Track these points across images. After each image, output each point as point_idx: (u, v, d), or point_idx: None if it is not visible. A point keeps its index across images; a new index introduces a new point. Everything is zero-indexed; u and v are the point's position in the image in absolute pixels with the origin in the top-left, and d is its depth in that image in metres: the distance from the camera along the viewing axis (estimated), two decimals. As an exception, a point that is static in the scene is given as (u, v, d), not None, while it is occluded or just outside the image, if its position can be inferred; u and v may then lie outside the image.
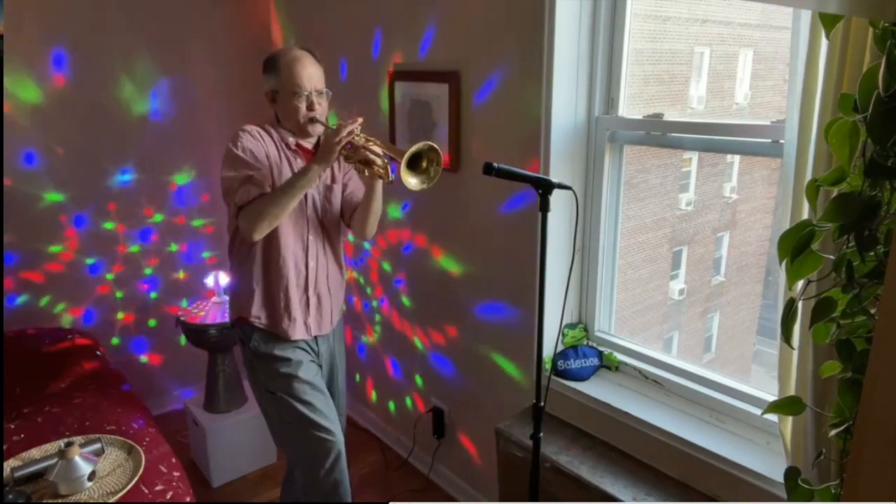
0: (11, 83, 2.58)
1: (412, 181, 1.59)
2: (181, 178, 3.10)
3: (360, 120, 1.69)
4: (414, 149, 1.55)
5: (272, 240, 1.80)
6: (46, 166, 2.72)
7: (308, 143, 1.86)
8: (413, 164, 1.59)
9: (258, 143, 1.78)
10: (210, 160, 3.10)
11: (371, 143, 1.69)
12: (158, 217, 3.07)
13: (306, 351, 1.91)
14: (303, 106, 1.78)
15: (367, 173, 1.76)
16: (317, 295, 1.91)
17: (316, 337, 1.94)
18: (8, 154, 2.61)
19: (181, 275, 3.19)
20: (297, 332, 1.87)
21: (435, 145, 1.58)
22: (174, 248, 3.15)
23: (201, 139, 3.10)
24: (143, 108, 2.92)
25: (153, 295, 3.13)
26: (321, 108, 1.81)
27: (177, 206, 3.12)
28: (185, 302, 3.13)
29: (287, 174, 1.78)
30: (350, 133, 1.65)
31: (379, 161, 1.70)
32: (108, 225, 2.94)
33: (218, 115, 3.11)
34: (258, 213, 1.67)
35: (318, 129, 1.82)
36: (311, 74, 1.77)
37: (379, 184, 1.81)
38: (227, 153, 1.75)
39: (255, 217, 1.67)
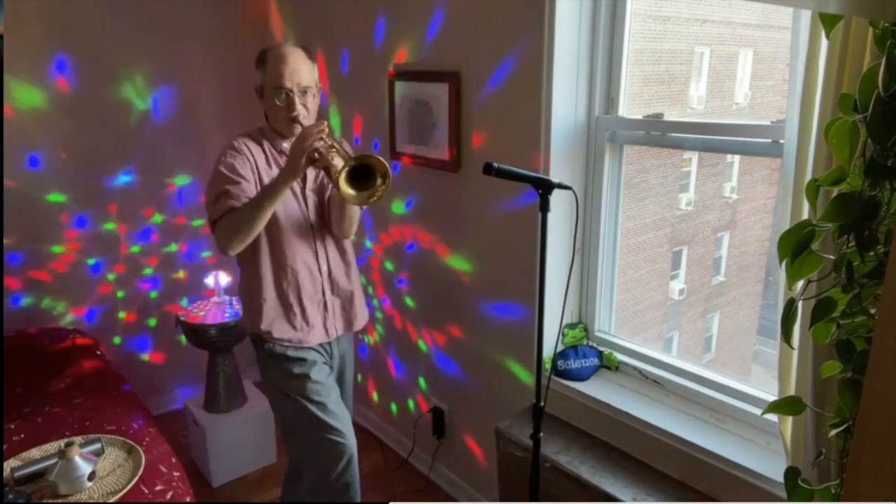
0: (16, 89, 2.59)
1: (350, 192, 1.51)
2: (181, 180, 3.11)
3: (325, 124, 1.61)
4: (354, 161, 1.48)
5: (279, 255, 1.80)
6: (50, 168, 2.74)
7: None
8: (360, 179, 1.51)
9: (243, 158, 1.75)
10: (208, 161, 3.09)
11: (333, 151, 1.62)
12: (158, 218, 3.07)
13: (319, 352, 1.91)
14: (283, 104, 1.73)
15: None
16: (336, 297, 1.91)
17: (330, 341, 1.94)
18: (14, 157, 2.62)
19: (181, 274, 3.20)
20: (315, 338, 1.87)
21: (384, 161, 1.51)
22: (174, 248, 3.16)
23: (200, 140, 3.10)
24: (144, 109, 2.92)
25: (153, 294, 3.13)
26: (303, 109, 1.74)
27: (176, 207, 3.12)
28: (186, 301, 3.14)
29: None
30: (319, 138, 1.58)
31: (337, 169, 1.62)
32: (110, 226, 2.94)
33: (216, 115, 3.11)
34: (229, 229, 1.66)
35: (299, 131, 1.74)
36: (294, 71, 1.70)
37: None
38: (211, 172, 1.74)
39: (227, 233, 1.67)
